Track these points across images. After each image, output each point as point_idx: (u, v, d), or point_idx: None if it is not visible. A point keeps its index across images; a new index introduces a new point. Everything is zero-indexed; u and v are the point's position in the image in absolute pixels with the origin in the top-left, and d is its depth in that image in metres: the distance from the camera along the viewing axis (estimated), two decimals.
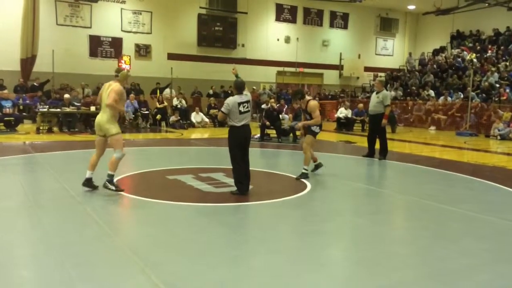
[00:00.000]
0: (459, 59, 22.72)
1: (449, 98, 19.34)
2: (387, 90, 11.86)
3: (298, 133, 12.00)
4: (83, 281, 3.29)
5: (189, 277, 3.44)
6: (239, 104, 5.99)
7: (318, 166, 7.78)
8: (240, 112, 5.98)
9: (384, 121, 9.52)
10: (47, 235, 4.34)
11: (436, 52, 25.49)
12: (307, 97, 7.46)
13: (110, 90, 5.84)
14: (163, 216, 5.16)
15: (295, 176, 7.33)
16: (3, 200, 5.62)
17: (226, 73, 22.06)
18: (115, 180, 6.03)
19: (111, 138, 5.89)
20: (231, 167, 6.13)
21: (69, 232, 4.43)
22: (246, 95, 6.12)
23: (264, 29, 23.81)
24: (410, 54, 26.44)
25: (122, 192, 5.97)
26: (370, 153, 9.85)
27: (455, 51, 23.88)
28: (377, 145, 9.78)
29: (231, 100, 6.01)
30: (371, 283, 3.46)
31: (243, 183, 6.05)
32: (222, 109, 6.06)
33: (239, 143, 6.05)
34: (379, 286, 3.38)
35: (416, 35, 28.28)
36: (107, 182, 5.78)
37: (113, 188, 5.77)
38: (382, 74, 25.28)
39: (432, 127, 18.51)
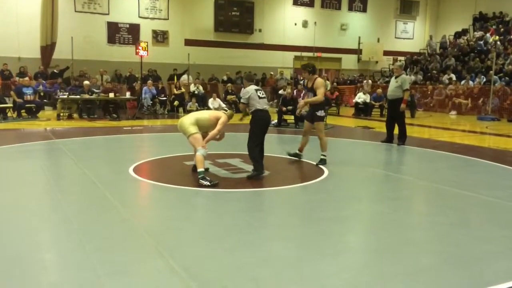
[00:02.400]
0: (481, 42, 22.14)
1: (470, 82, 18.92)
2: (406, 74, 11.65)
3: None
4: (102, 264, 3.35)
5: (205, 261, 3.47)
6: (256, 90, 6.26)
7: (297, 155, 7.53)
8: (259, 97, 6.21)
9: (403, 105, 9.35)
10: (68, 219, 4.43)
11: (458, 35, 24.88)
12: (316, 75, 7.26)
13: (216, 117, 6.22)
14: (180, 201, 5.20)
15: (313, 162, 7.29)
16: (25, 185, 5.74)
17: (243, 59, 22.14)
18: (133, 166, 6.09)
19: (191, 137, 5.97)
20: (248, 150, 6.22)
21: (89, 216, 4.51)
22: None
23: (281, 14, 23.56)
24: (431, 37, 25.86)
25: (141, 178, 6.04)
26: (389, 139, 9.72)
27: (478, 34, 23.27)
28: (396, 131, 9.65)
29: (248, 89, 6.24)
30: (389, 270, 3.43)
31: (259, 162, 6.17)
32: (242, 100, 6.25)
33: (262, 125, 6.24)
34: (397, 273, 3.36)
35: (437, 17, 27.62)
36: (200, 179, 5.69)
37: (208, 183, 5.62)
38: (402, 58, 24.83)
39: (453, 112, 18.17)
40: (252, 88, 6.26)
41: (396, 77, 9.55)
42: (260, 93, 6.28)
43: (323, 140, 7.26)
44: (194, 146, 6.00)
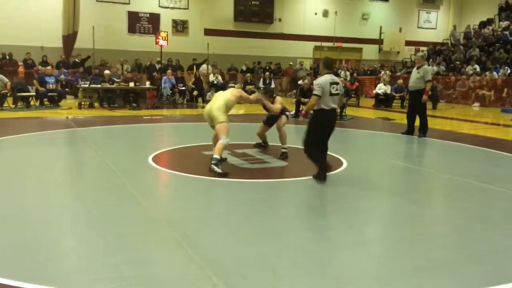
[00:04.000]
0: (507, 32, 21.54)
1: (494, 73, 18.46)
2: (428, 65, 11.42)
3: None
4: (122, 252, 3.40)
5: (224, 251, 3.49)
6: (331, 84, 5.39)
7: (259, 145, 7.60)
8: (331, 93, 5.39)
9: (424, 97, 9.18)
10: (88, 207, 4.50)
11: (482, 24, 24.24)
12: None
13: (236, 94, 6.33)
14: (199, 191, 5.23)
15: (333, 154, 7.22)
16: (47, 173, 5.85)
17: (263, 49, 22.05)
18: (153, 155, 6.13)
19: (220, 125, 6.00)
20: (303, 145, 5.65)
21: (109, 205, 4.57)
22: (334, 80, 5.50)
23: (301, 3, 23.32)
24: (454, 27, 25.26)
25: (160, 167, 6.10)
26: (410, 130, 9.57)
27: (504, 24, 22.64)
28: (417, 123, 9.50)
29: (323, 80, 5.36)
30: (408, 263, 3.39)
31: (318, 159, 5.52)
32: (315, 91, 5.38)
33: (326, 127, 5.52)
34: (417, 266, 3.32)
35: (461, 7, 26.97)
36: (213, 165, 5.73)
37: (219, 171, 5.67)
38: (424, 48, 24.34)
39: (476, 104, 17.78)
40: (327, 80, 5.36)
41: (418, 68, 9.38)
42: (333, 88, 5.39)
43: (282, 132, 7.13)
44: (219, 134, 6.00)
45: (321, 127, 5.51)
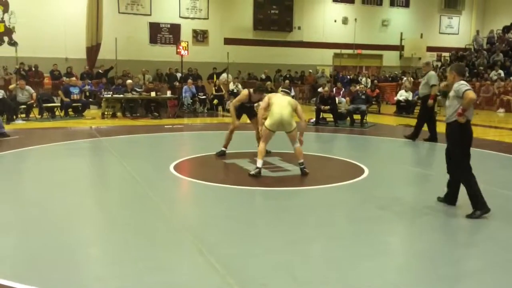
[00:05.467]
0: None
1: None
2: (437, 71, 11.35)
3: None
4: (145, 260, 3.43)
5: (245, 258, 3.49)
6: None
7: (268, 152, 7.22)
8: None
9: (430, 101, 9.24)
10: (112, 216, 4.57)
11: (506, 29, 23.78)
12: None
13: (291, 100, 6.36)
14: (220, 199, 5.25)
15: (351, 160, 7.16)
16: (71, 181, 5.97)
17: (282, 57, 22.08)
18: (174, 164, 6.19)
19: (293, 132, 6.24)
20: (462, 179, 4.70)
21: (131, 213, 4.63)
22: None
23: (321, 11, 23.32)
24: (477, 32, 24.85)
25: (182, 176, 6.16)
26: (432, 137, 9.46)
27: None
28: (437, 128, 9.36)
29: (463, 84, 4.60)
30: (432, 272, 3.33)
31: (480, 196, 4.53)
32: (468, 88, 4.53)
33: (469, 142, 4.74)
34: (442, 276, 3.25)
35: (484, 11, 26.52)
36: (303, 169, 6.19)
37: (307, 171, 6.18)
38: (446, 54, 24.01)
39: (501, 109, 17.41)
40: (469, 87, 4.60)
41: (424, 75, 9.67)
42: None
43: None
44: (293, 140, 6.26)
45: (469, 142, 4.72)
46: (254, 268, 3.33)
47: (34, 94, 13.47)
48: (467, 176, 4.60)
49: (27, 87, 13.56)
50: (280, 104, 6.24)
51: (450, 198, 4.84)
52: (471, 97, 4.50)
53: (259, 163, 6.09)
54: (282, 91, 6.71)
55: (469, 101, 4.52)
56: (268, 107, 6.25)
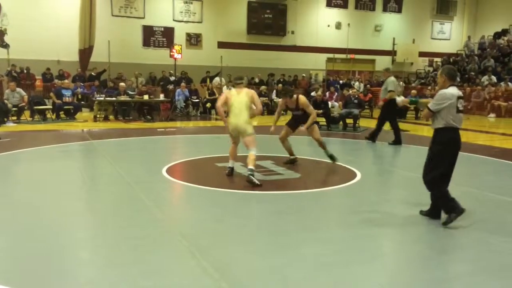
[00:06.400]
0: None
1: (510, 84, 18.25)
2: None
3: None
4: (137, 264, 3.42)
5: (238, 262, 3.49)
6: (458, 98, 4.37)
7: (291, 162, 7.29)
8: (458, 110, 4.37)
9: (380, 103, 9.99)
10: (103, 219, 4.54)
11: (497, 35, 24.05)
12: (295, 95, 7.18)
13: (251, 96, 6.20)
14: (213, 203, 5.24)
15: (345, 165, 7.20)
16: (63, 184, 5.93)
17: (276, 61, 22.13)
18: (166, 167, 6.18)
19: (248, 137, 6.15)
20: (427, 183, 4.57)
21: (123, 217, 4.61)
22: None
23: (314, 15, 23.42)
24: (469, 37, 25.10)
25: (174, 179, 6.15)
26: (396, 140, 9.89)
27: None
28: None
29: (449, 92, 4.35)
30: (423, 276, 3.35)
31: (451, 200, 4.43)
32: (432, 106, 4.40)
33: (455, 152, 4.42)
34: (433, 279, 3.27)
35: (476, 17, 26.79)
36: (250, 176, 5.84)
37: (256, 182, 5.79)
38: (438, 59, 24.20)
39: (492, 115, 17.57)
40: (454, 93, 4.37)
41: (383, 81, 10.30)
42: (460, 103, 4.40)
43: (321, 139, 7.27)
44: (249, 146, 6.13)
45: (453, 151, 4.43)
46: (247, 271, 3.33)
47: (26, 97, 13.39)
48: (439, 183, 4.45)
49: (18, 89, 13.47)
50: (235, 108, 6.14)
51: (433, 212, 4.62)
52: (424, 113, 4.58)
53: (230, 163, 6.37)
54: (235, 83, 6.58)
55: (424, 115, 4.60)
56: (225, 104, 6.29)
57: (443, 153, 4.42)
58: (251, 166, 5.90)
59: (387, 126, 10.08)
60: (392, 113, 9.92)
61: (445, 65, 4.94)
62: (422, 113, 4.82)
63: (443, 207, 4.47)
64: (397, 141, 9.87)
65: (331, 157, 7.32)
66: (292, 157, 7.35)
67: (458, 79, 20.88)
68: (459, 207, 4.37)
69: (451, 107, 4.33)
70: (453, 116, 4.35)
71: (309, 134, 7.23)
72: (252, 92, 6.31)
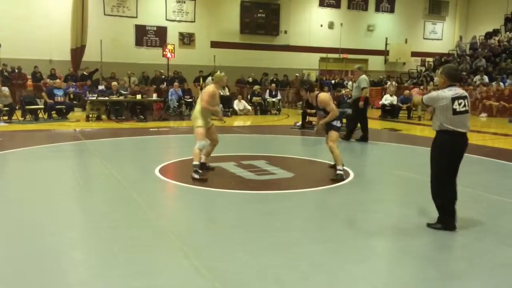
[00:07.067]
0: None
1: (501, 84, 18.40)
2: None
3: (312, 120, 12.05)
4: (129, 264, 3.40)
5: (230, 262, 3.47)
6: (453, 99, 4.14)
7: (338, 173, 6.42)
8: (454, 112, 4.15)
9: (360, 103, 9.91)
10: (96, 219, 4.51)
11: (488, 35, 24.24)
12: (316, 91, 6.59)
13: (203, 92, 6.37)
14: (205, 203, 5.23)
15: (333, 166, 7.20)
16: (55, 185, 5.88)
17: (269, 60, 22.13)
18: (159, 167, 6.16)
19: (195, 129, 6.27)
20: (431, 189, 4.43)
21: (116, 217, 4.58)
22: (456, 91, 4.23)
23: (307, 15, 23.46)
24: (460, 37, 25.27)
25: (167, 179, 6.12)
26: (364, 137, 10.09)
27: (510, 34, 22.63)
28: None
29: (442, 94, 4.18)
30: (417, 275, 3.36)
31: (446, 211, 4.31)
32: (425, 97, 4.38)
33: (450, 153, 4.25)
34: (427, 278, 3.28)
35: (467, 17, 26.99)
36: (193, 171, 6.05)
37: (197, 176, 5.97)
38: (430, 59, 24.34)
39: (483, 114, 17.70)
40: (448, 95, 4.15)
41: (355, 79, 10.44)
42: (458, 103, 4.14)
43: (335, 152, 6.36)
44: (195, 138, 6.24)
45: (446, 153, 4.25)
46: (239, 271, 3.32)
47: (7, 91, 13.08)
48: (434, 182, 4.36)
49: (3, 88, 13.23)
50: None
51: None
52: (416, 100, 4.50)
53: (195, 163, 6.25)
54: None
55: (416, 102, 4.49)
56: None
57: (436, 157, 4.29)
58: (194, 162, 6.07)
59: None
60: (363, 111, 10.08)
61: (445, 64, 4.73)
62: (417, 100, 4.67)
63: (439, 216, 4.38)
64: (364, 138, 10.10)
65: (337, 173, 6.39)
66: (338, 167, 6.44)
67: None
68: (452, 224, 4.28)
69: (445, 109, 4.13)
70: (449, 119, 4.14)
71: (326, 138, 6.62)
72: (205, 89, 6.43)
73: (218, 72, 6.78)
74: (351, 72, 24.71)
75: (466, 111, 4.19)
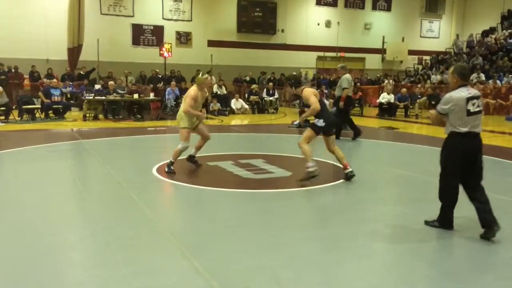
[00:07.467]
0: (511, 41, 21.57)
1: (498, 82, 18.45)
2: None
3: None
4: (127, 264, 3.40)
5: (228, 261, 3.48)
6: (467, 100, 4.01)
7: (349, 176, 6.19)
8: (469, 113, 4.01)
9: (341, 103, 10.03)
10: (94, 219, 4.51)
11: (485, 33, 24.29)
12: (303, 86, 6.34)
13: (186, 95, 6.52)
14: (203, 202, 5.23)
15: (336, 163, 7.20)
16: (52, 184, 5.88)
17: (266, 59, 22.13)
18: (157, 166, 6.15)
19: (180, 130, 6.51)
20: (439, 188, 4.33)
21: (114, 216, 4.58)
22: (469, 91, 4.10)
23: (304, 14, 23.45)
24: (457, 36, 25.32)
25: (165, 178, 6.14)
26: (356, 134, 10.20)
27: (506, 32, 22.68)
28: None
29: (456, 95, 4.04)
30: (415, 273, 3.37)
31: (446, 212, 4.29)
32: (439, 108, 4.18)
33: (460, 156, 4.09)
34: (426, 276, 3.30)
35: (464, 16, 27.04)
36: (167, 165, 6.43)
37: (167, 170, 6.37)
38: (427, 57, 24.39)
39: None
40: (461, 96, 4.02)
41: (338, 78, 10.49)
42: (472, 104, 4.02)
43: (302, 147, 6.02)
44: (180, 138, 6.48)
45: (456, 156, 4.12)
46: (238, 271, 3.32)
47: (1, 89, 13.04)
48: (442, 183, 4.30)
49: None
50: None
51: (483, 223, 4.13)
52: (433, 117, 4.31)
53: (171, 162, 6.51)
54: None
55: (433, 118, 4.33)
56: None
57: (446, 160, 4.20)
58: (171, 159, 6.39)
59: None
60: (345, 109, 10.13)
61: (456, 64, 4.57)
62: (430, 116, 4.44)
63: (439, 215, 4.37)
64: (356, 133, 10.16)
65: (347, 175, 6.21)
66: (347, 170, 6.21)
67: (447, 76, 21.06)
68: (449, 225, 4.28)
69: (459, 111, 4.01)
70: (463, 121, 4.01)
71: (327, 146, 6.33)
72: (188, 92, 6.58)
73: (200, 75, 6.78)
74: (349, 70, 24.79)
75: (480, 111, 4.09)
